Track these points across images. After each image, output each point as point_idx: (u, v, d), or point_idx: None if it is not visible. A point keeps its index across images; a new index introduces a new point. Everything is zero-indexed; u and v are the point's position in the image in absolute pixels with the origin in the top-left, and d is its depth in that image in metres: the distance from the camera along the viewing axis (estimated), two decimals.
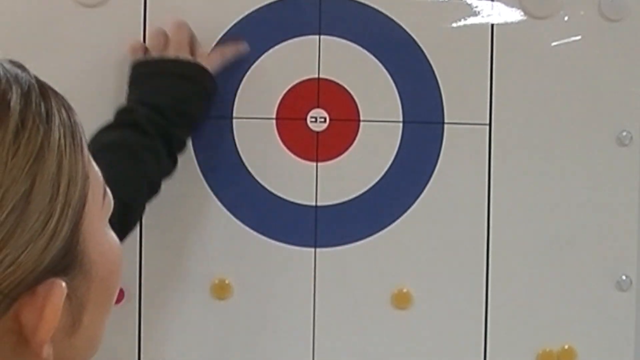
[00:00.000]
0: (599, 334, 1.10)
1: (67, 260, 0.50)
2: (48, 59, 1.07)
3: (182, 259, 1.10)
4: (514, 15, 1.09)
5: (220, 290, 1.10)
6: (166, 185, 1.09)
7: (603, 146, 1.09)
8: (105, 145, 0.98)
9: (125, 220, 0.96)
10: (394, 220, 1.09)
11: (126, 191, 0.93)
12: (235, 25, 1.09)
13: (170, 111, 1.02)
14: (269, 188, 1.10)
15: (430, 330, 1.10)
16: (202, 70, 1.04)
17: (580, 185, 1.09)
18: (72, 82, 1.07)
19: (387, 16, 1.09)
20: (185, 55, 1.05)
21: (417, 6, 1.09)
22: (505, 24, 1.09)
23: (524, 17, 1.09)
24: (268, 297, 1.10)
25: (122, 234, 0.93)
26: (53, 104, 0.50)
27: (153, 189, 1.02)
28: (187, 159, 1.09)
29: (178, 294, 1.10)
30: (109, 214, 0.56)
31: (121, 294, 1.09)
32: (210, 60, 1.06)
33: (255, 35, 1.09)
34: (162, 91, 1.03)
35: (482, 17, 1.09)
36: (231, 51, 1.08)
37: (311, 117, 1.09)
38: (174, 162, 1.04)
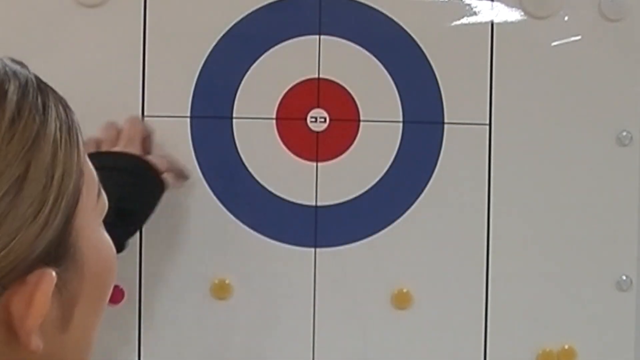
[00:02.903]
0: (599, 334, 1.10)
1: (59, 252, 0.50)
2: (48, 59, 1.07)
3: (182, 259, 1.10)
4: (514, 15, 1.09)
5: (220, 290, 1.10)
6: None
7: (603, 146, 1.09)
8: None
9: None
10: (393, 221, 1.09)
11: None
12: (235, 25, 1.09)
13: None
14: (269, 188, 1.10)
15: (430, 330, 1.10)
16: (146, 166, 1.00)
17: (580, 185, 1.09)
18: (72, 82, 1.07)
19: (387, 16, 1.09)
20: (132, 150, 1.02)
21: (417, 6, 1.09)
22: (505, 24, 1.09)
23: (524, 17, 1.09)
24: (268, 297, 1.10)
25: None
26: (50, 99, 0.52)
27: None
28: (188, 159, 1.09)
29: (178, 294, 1.10)
30: (103, 214, 0.57)
31: (121, 294, 1.09)
32: (161, 161, 1.03)
33: (255, 35, 1.09)
34: (104, 187, 1.01)
35: (482, 17, 1.09)
36: (179, 169, 1.06)
37: (311, 117, 1.09)
38: None
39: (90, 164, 0.55)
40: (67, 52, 1.08)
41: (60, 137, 0.51)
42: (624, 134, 1.08)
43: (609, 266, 1.09)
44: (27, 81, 0.51)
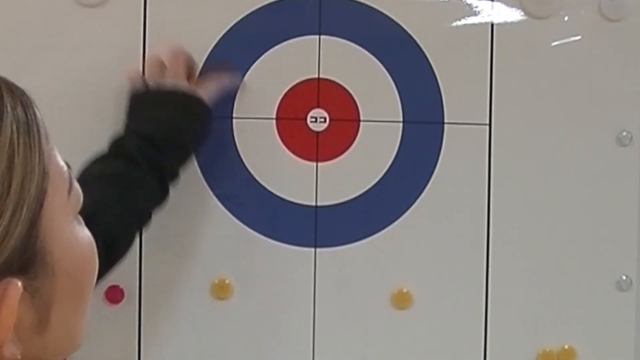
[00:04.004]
0: (599, 334, 1.10)
1: (26, 259, 0.49)
2: (48, 59, 1.07)
3: (182, 259, 1.10)
4: (514, 15, 1.09)
5: (220, 290, 1.10)
6: None
7: (603, 146, 1.09)
8: (96, 177, 0.97)
9: (110, 252, 0.93)
10: (393, 221, 1.09)
11: (113, 223, 0.94)
12: (235, 25, 1.09)
13: (163, 142, 1.00)
14: (269, 188, 1.10)
15: (430, 330, 1.10)
16: (197, 100, 1.03)
17: (580, 185, 1.09)
18: (72, 82, 1.07)
19: (387, 16, 1.09)
20: (182, 85, 1.04)
21: (417, 6, 1.09)
22: (505, 24, 1.09)
23: (524, 17, 1.09)
24: (268, 297, 1.10)
25: (107, 264, 0.91)
26: (6, 101, 0.50)
27: (143, 221, 1.02)
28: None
29: (178, 294, 1.10)
30: (77, 208, 0.55)
31: (121, 294, 1.09)
32: (207, 88, 1.06)
33: (255, 35, 1.09)
34: (157, 122, 1.02)
35: (482, 17, 1.09)
36: (225, 78, 1.08)
37: (311, 117, 1.09)
38: (165, 193, 1.02)
39: (58, 159, 0.53)
40: (67, 52, 1.08)
41: (18, 141, 0.49)
42: (624, 134, 1.08)
43: (609, 266, 1.09)
44: None
